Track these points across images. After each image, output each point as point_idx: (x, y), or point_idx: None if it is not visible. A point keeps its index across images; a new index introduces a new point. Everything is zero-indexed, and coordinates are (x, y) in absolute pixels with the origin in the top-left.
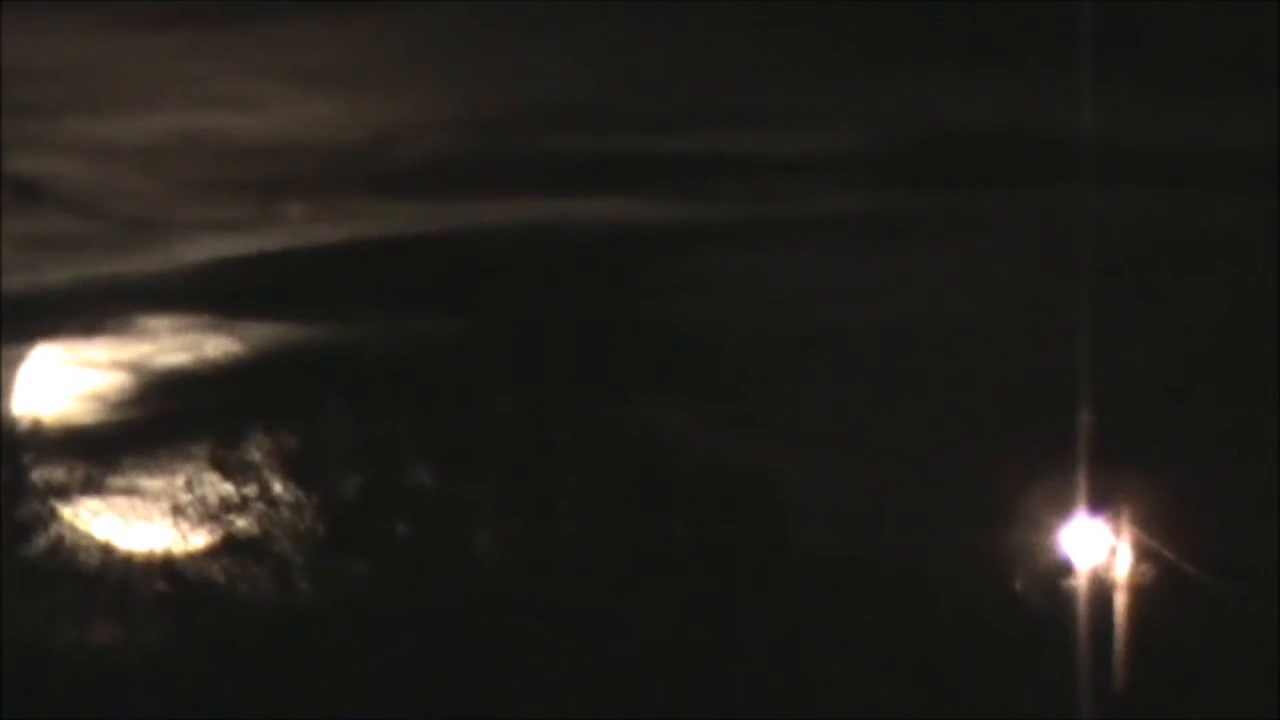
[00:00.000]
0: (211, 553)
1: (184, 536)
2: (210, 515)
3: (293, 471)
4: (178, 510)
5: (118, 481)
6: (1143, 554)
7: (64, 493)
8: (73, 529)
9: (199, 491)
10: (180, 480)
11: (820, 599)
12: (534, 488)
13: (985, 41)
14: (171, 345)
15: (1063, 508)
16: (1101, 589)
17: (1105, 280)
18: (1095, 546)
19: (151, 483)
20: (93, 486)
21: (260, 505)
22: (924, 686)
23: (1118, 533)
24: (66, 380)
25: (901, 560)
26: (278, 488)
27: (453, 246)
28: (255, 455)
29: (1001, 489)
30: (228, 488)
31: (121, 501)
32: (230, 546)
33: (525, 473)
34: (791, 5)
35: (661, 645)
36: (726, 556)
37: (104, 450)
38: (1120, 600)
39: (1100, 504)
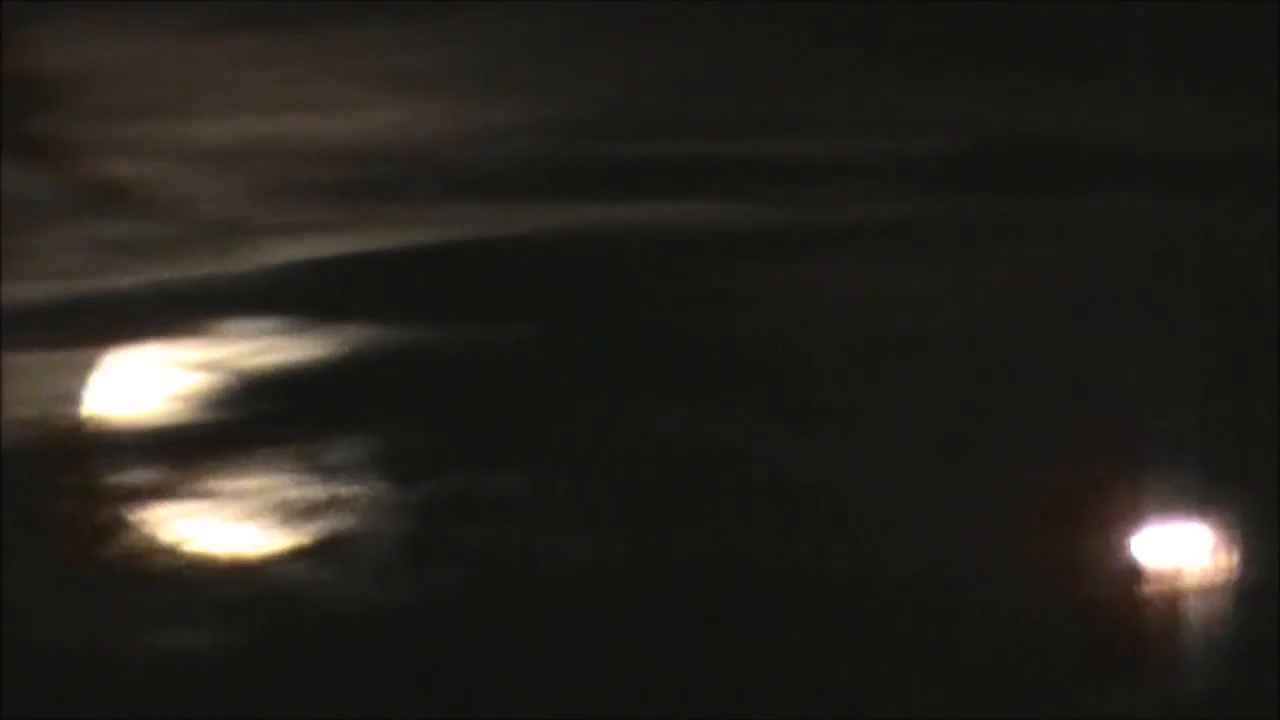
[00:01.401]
0: (294, 556)
1: (265, 539)
2: (294, 518)
3: (373, 474)
4: (261, 513)
5: (201, 485)
6: (1215, 559)
7: (147, 496)
8: (156, 532)
9: (283, 495)
10: (264, 484)
11: (881, 607)
12: (603, 495)
13: (1043, 45)
14: (257, 348)
15: (1129, 515)
16: (1173, 595)
17: (1165, 286)
18: (1163, 553)
19: (235, 486)
20: (176, 490)
21: (341, 508)
22: (990, 696)
23: (1187, 538)
24: (150, 383)
25: (964, 568)
26: (358, 490)
27: (526, 251)
28: (339, 458)
29: (1065, 496)
30: (312, 491)
31: (205, 505)
32: (311, 549)
33: (595, 480)
34: (855, 9)
35: (731, 651)
36: (790, 564)
37: (188, 453)
38: (1193, 606)
39: (1165, 510)
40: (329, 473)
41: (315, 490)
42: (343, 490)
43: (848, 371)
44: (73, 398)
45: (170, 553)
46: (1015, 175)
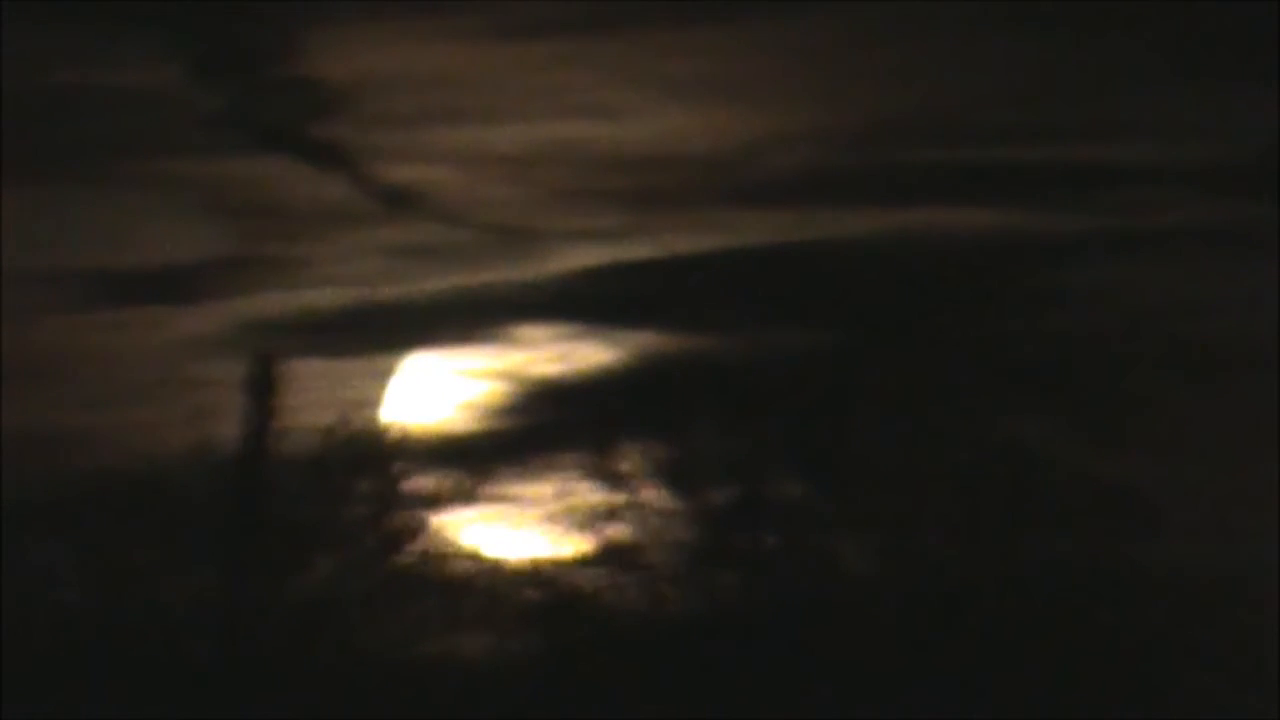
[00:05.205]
0: (582, 561)
1: (555, 545)
2: (581, 524)
3: (663, 481)
4: (549, 519)
5: (489, 490)
6: None
7: (435, 501)
8: (443, 537)
9: (570, 500)
10: (551, 489)
11: (1188, 613)
12: (900, 500)
13: None
14: (544, 354)
15: None
16: None
17: None
18: None
19: (523, 491)
20: (464, 495)
21: (631, 514)
22: None
23: None
24: (439, 389)
25: (1270, 575)
26: (648, 497)
27: (819, 257)
28: (626, 464)
29: None
30: (599, 497)
31: (492, 510)
32: (601, 555)
33: (891, 485)
34: (1159, 13)
35: (1031, 657)
36: (1093, 570)
37: (475, 459)
38: None
39: None
40: (619, 479)
41: (605, 496)
42: (633, 496)
43: (1158, 377)
44: (366, 404)
45: (463, 558)
46: None
